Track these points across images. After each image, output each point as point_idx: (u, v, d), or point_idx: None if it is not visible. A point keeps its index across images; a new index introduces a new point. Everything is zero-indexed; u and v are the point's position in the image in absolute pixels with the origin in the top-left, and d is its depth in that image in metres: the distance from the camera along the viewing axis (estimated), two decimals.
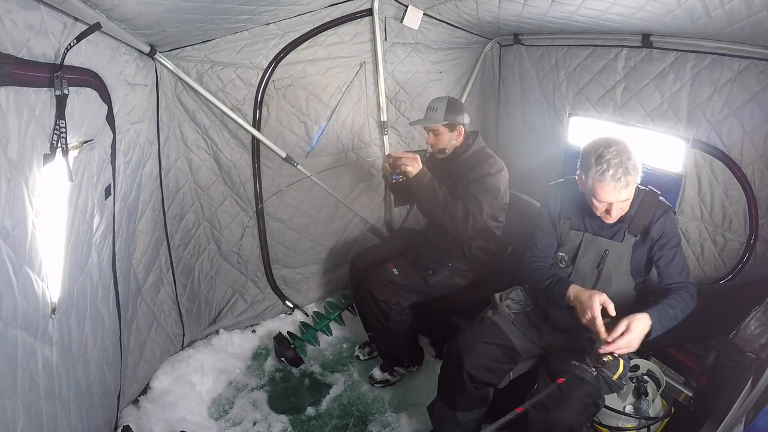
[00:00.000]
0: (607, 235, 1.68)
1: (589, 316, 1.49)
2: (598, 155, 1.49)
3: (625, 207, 1.58)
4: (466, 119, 2.24)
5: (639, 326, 1.44)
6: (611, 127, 2.39)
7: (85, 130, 1.31)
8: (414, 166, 2.07)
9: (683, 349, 1.94)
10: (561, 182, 1.83)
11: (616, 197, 1.51)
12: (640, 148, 1.55)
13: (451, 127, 2.22)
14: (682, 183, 2.10)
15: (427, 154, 2.36)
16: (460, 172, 2.22)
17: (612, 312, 1.48)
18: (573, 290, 1.59)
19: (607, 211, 1.56)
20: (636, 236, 1.64)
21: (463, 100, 3.05)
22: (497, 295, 1.95)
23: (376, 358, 2.59)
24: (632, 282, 1.70)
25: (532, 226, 1.90)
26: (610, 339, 1.44)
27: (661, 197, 1.66)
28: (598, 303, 1.48)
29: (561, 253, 1.77)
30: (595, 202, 1.56)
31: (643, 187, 1.66)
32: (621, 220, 1.63)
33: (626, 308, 1.70)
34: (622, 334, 1.43)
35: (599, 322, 1.47)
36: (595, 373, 1.56)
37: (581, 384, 1.55)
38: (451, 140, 2.25)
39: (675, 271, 1.63)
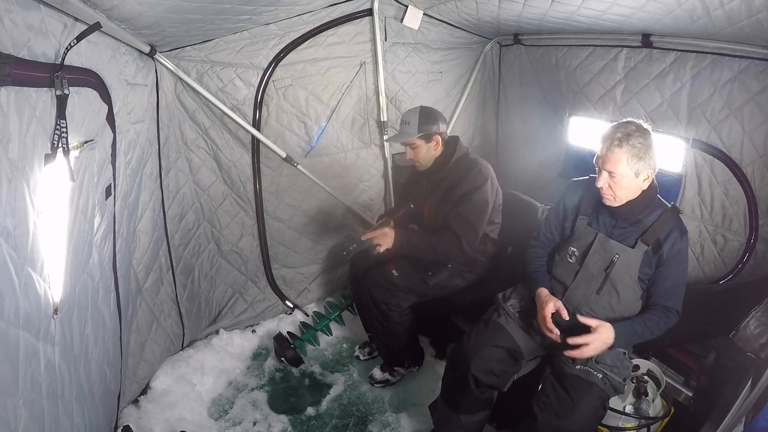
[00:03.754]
0: (619, 238, 1.65)
1: (540, 315, 1.67)
2: (618, 125, 1.55)
3: (619, 191, 1.57)
4: (441, 127, 2.20)
5: (601, 335, 1.55)
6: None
7: (86, 130, 1.31)
8: (386, 242, 2.12)
9: (683, 349, 1.95)
10: (584, 179, 1.80)
11: (607, 161, 1.52)
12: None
13: (427, 138, 2.17)
14: (682, 183, 2.11)
15: (411, 206, 2.37)
16: (447, 183, 2.20)
17: (565, 316, 1.64)
18: (540, 291, 1.74)
19: (607, 188, 1.58)
20: (648, 246, 1.61)
21: (463, 100, 3.06)
22: (500, 295, 1.95)
23: (376, 358, 2.59)
24: (639, 290, 1.66)
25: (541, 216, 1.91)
26: (571, 342, 1.56)
27: (681, 216, 1.65)
28: (552, 308, 1.65)
29: (572, 248, 1.75)
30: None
31: (666, 202, 1.66)
32: (635, 224, 1.63)
33: (632, 315, 1.71)
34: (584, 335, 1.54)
35: (548, 321, 1.64)
36: (601, 376, 1.56)
37: (590, 387, 1.55)
38: (429, 151, 2.21)
39: (664, 291, 1.62)
